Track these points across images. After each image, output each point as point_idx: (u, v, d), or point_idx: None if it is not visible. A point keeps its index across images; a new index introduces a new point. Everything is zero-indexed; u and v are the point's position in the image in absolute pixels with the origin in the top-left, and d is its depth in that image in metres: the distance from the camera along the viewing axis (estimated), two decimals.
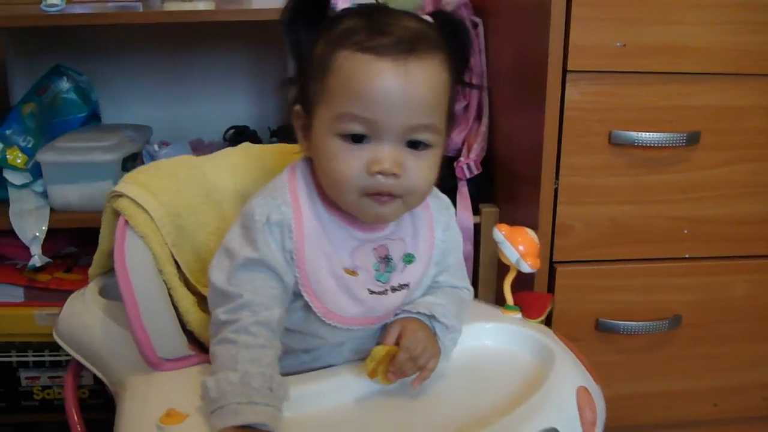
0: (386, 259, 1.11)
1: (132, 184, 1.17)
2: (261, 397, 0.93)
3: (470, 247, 1.77)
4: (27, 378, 1.88)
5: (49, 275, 1.87)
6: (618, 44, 1.48)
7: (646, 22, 1.48)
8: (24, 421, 1.95)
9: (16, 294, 1.87)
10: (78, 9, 1.89)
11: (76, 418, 1.28)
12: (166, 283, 1.15)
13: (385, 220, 1.08)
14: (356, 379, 1.07)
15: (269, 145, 1.38)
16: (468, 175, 1.78)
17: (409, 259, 1.13)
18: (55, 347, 1.82)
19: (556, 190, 1.54)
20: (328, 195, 1.07)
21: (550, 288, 1.60)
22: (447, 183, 1.80)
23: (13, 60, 2.18)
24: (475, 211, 1.78)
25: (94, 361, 1.20)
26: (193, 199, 1.23)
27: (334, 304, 1.07)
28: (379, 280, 1.10)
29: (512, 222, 1.59)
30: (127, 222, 1.13)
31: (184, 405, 0.98)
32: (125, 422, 1.03)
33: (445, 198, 1.22)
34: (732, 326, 1.69)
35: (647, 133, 1.52)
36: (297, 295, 1.07)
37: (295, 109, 1.09)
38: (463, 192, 1.79)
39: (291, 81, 1.11)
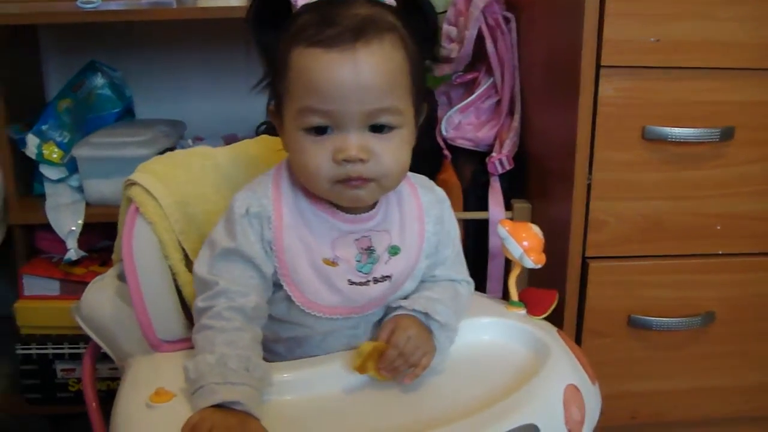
0: (369, 251, 1.11)
1: (145, 172, 1.22)
2: (237, 377, 0.96)
3: (500, 244, 1.76)
4: (62, 370, 1.90)
5: (84, 269, 1.90)
6: (652, 39, 1.47)
7: (680, 17, 1.47)
8: (59, 413, 1.98)
9: (52, 287, 1.90)
10: (113, 6, 1.91)
11: (92, 395, 1.32)
12: (171, 269, 1.19)
13: (362, 201, 1.09)
14: (345, 368, 1.08)
15: None
16: (500, 171, 1.78)
17: (394, 251, 1.13)
18: (90, 340, 1.85)
19: (589, 186, 1.54)
20: (306, 187, 1.09)
21: (583, 283, 1.60)
22: (479, 178, 1.80)
23: (48, 56, 2.21)
24: (508, 207, 1.78)
25: (105, 340, 1.24)
26: (204, 188, 1.26)
27: (313, 293, 1.09)
28: (360, 271, 1.10)
29: (545, 217, 1.60)
30: (137, 209, 1.18)
31: (174, 385, 1.01)
32: (122, 398, 1.06)
33: (440, 192, 1.22)
34: (765, 323, 1.68)
35: (681, 129, 1.51)
36: (278, 285, 1.10)
37: (269, 108, 1.12)
38: (495, 187, 1.79)
39: (261, 81, 1.14)
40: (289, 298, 1.09)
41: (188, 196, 1.23)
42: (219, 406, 0.93)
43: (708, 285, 1.64)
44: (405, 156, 1.08)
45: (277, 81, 1.08)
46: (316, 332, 1.12)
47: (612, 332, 1.63)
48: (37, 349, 1.88)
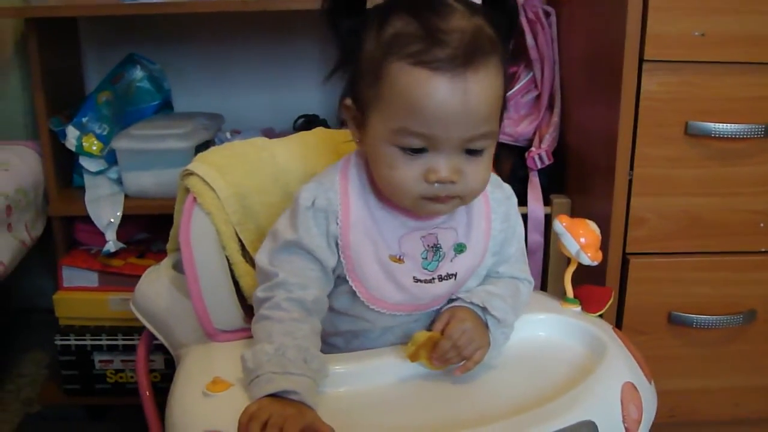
0: (435, 248, 1.11)
1: (203, 163, 1.22)
2: (295, 367, 0.96)
3: (540, 239, 1.76)
4: (100, 361, 1.91)
5: (122, 261, 1.90)
6: (696, 33, 1.46)
7: (725, 11, 1.46)
8: (97, 404, 1.99)
9: (91, 279, 1.90)
10: None
11: (146, 383, 1.33)
12: (228, 259, 1.20)
13: (442, 214, 1.09)
14: (398, 360, 1.09)
15: (343, 131, 1.39)
16: (539, 166, 1.77)
17: (460, 248, 1.12)
18: (128, 331, 1.87)
19: (630, 181, 1.53)
20: (384, 192, 1.08)
21: (623, 280, 1.59)
22: (518, 173, 1.79)
23: (88, 49, 2.22)
24: (546, 202, 1.77)
25: (160, 330, 1.26)
26: (261, 180, 1.26)
27: (378, 290, 1.09)
28: (426, 269, 1.10)
29: (584, 213, 1.59)
30: (195, 199, 1.19)
31: (231, 374, 1.02)
32: (178, 387, 1.08)
33: (507, 188, 1.21)
34: None
35: (724, 125, 1.50)
36: (342, 279, 1.09)
37: (345, 103, 1.09)
38: (534, 182, 1.78)
39: (336, 70, 1.10)
40: (353, 293, 1.09)
41: (245, 187, 1.23)
42: (276, 396, 0.94)
43: (750, 283, 1.62)
44: (489, 173, 1.07)
45: (362, 82, 1.04)
46: (377, 326, 1.12)
47: (652, 329, 1.62)
48: (75, 340, 1.89)
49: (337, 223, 1.07)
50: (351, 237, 1.07)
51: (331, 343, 1.14)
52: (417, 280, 1.09)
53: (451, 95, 0.97)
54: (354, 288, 1.09)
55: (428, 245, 1.10)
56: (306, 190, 1.08)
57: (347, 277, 1.09)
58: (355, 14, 1.04)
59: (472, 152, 1.02)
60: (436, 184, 1.01)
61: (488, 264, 1.16)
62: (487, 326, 1.10)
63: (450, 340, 1.05)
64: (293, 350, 0.97)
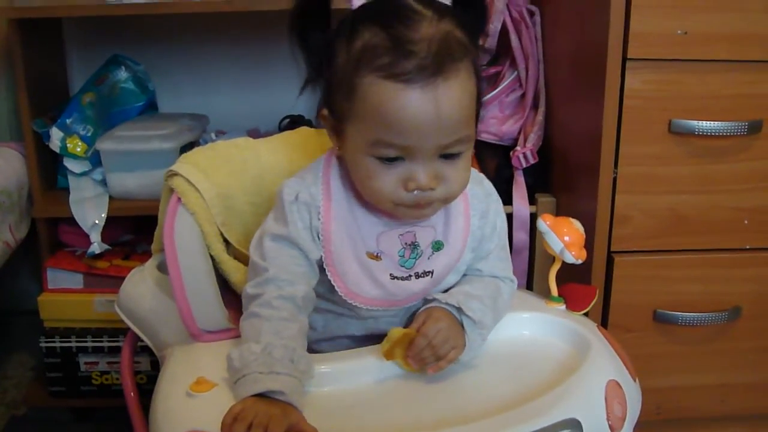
0: (413, 246, 1.11)
1: (187, 164, 1.23)
2: (282, 367, 0.96)
3: (526, 238, 1.76)
4: (86, 363, 1.90)
5: (107, 262, 1.90)
6: (679, 32, 1.46)
7: (708, 9, 1.46)
8: (82, 406, 1.98)
9: (76, 280, 1.90)
10: None
11: (130, 384, 1.33)
12: (215, 259, 1.20)
13: (426, 218, 1.10)
14: (383, 361, 1.08)
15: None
16: (524, 165, 1.77)
17: (437, 246, 1.13)
18: (113, 333, 1.86)
19: (614, 180, 1.53)
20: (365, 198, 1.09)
21: (608, 278, 1.59)
22: (503, 172, 1.80)
23: (72, 50, 2.21)
24: (532, 201, 1.77)
25: (145, 330, 1.26)
26: (246, 180, 1.27)
27: (356, 285, 1.10)
28: (403, 266, 1.11)
29: (569, 211, 1.59)
30: (179, 199, 1.19)
31: (215, 375, 1.02)
32: (162, 387, 1.08)
33: (488, 185, 1.21)
34: None
35: (708, 122, 1.50)
36: (323, 270, 1.10)
37: (322, 113, 1.09)
38: (519, 181, 1.78)
39: (307, 85, 1.10)
40: (332, 285, 1.10)
41: (230, 188, 1.24)
42: (262, 396, 0.93)
43: (735, 280, 1.63)
44: (468, 174, 1.07)
45: (337, 95, 1.04)
46: (355, 314, 1.13)
47: (637, 327, 1.62)
48: (60, 342, 1.88)
49: (319, 219, 1.08)
50: (332, 232, 1.08)
51: (311, 323, 1.12)
52: (394, 277, 1.10)
53: (423, 106, 0.97)
54: (333, 282, 1.09)
55: (405, 243, 1.11)
56: (288, 185, 1.10)
57: (327, 271, 1.09)
58: (323, 27, 1.06)
59: (449, 156, 1.02)
60: (416, 192, 1.02)
61: (467, 260, 1.17)
62: (462, 327, 1.10)
63: (425, 338, 1.05)
64: (280, 350, 0.97)
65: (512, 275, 1.22)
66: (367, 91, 0.99)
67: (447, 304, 1.11)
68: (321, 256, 1.09)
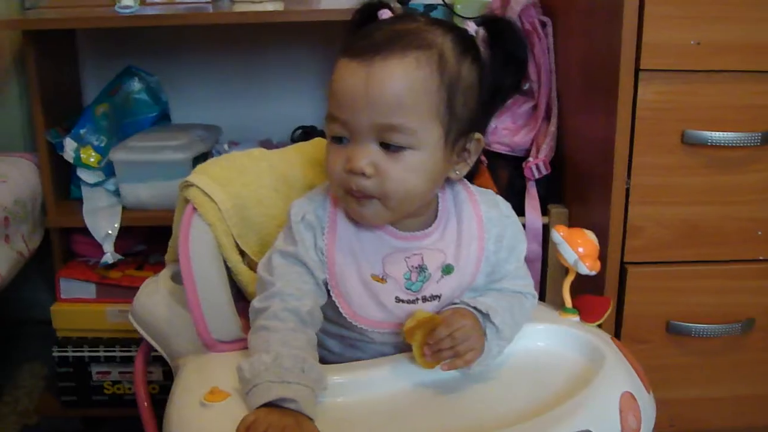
0: (420, 269, 1.11)
1: (203, 174, 1.23)
2: (293, 376, 0.96)
3: (538, 249, 1.76)
4: (98, 373, 1.91)
5: (120, 272, 1.91)
6: (692, 42, 1.46)
7: (721, 19, 1.46)
8: (94, 416, 1.99)
9: (89, 290, 1.91)
10: (149, 10, 1.92)
11: (144, 394, 1.33)
12: (232, 269, 1.21)
13: (366, 220, 1.09)
14: (397, 371, 1.08)
15: None
16: (537, 176, 1.77)
17: (448, 270, 1.12)
18: (125, 343, 1.87)
19: (627, 190, 1.52)
20: None
21: (621, 289, 1.58)
22: (515, 183, 1.79)
23: (86, 61, 2.22)
24: (544, 212, 1.77)
25: (158, 340, 1.27)
26: (261, 191, 1.27)
27: (360, 307, 1.09)
28: (409, 289, 1.10)
29: (582, 222, 1.58)
30: (194, 210, 1.19)
31: (229, 384, 1.02)
32: (176, 397, 1.08)
33: (505, 208, 1.20)
34: None
35: (721, 133, 1.50)
36: (329, 292, 1.11)
37: None
38: (532, 192, 1.78)
39: None
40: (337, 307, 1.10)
41: (245, 199, 1.24)
42: (274, 406, 0.93)
43: (748, 291, 1.62)
44: (416, 180, 1.06)
45: None
46: (367, 338, 1.12)
47: (650, 338, 1.62)
48: (73, 351, 1.89)
49: (324, 239, 1.09)
50: (336, 253, 1.09)
51: (327, 347, 1.14)
52: (399, 300, 1.10)
53: (354, 77, 1.02)
54: (337, 304, 1.09)
55: (412, 266, 1.11)
56: (296, 206, 1.12)
57: (331, 293, 1.10)
58: None
59: (389, 148, 1.03)
60: (351, 176, 1.03)
61: (480, 283, 1.16)
62: (485, 333, 1.09)
63: (448, 328, 1.04)
64: (290, 359, 0.97)
65: (534, 291, 1.22)
66: (335, 69, 1.06)
67: (474, 308, 1.10)
68: (326, 278, 1.09)
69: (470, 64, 1.08)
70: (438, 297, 1.11)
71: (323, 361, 1.04)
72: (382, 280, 1.10)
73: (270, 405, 0.93)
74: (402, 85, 1.02)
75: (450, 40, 1.06)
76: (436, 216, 1.15)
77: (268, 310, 1.04)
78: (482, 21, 1.13)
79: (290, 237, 1.10)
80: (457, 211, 1.16)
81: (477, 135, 1.11)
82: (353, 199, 1.06)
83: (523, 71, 1.17)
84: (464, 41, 1.08)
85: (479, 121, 1.12)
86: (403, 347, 1.11)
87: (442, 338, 1.04)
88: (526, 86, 1.86)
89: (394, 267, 1.10)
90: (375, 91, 1.01)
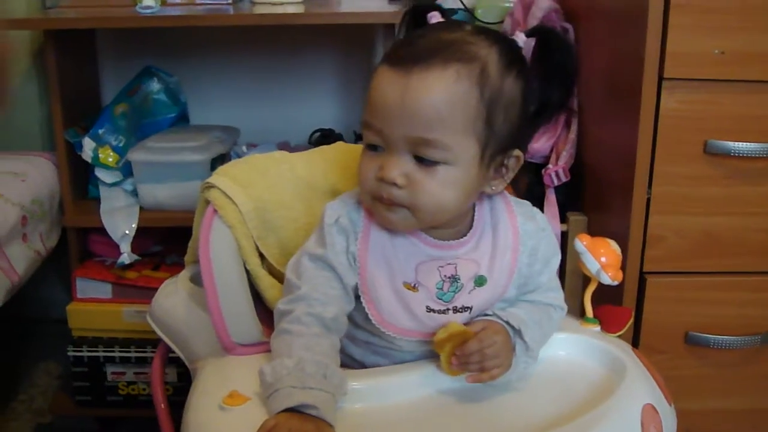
0: (453, 279, 1.10)
1: (224, 176, 1.23)
2: (315, 382, 0.95)
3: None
4: (113, 373, 1.91)
5: (137, 273, 1.91)
6: (716, 51, 1.44)
7: (745, 29, 1.44)
8: (108, 416, 1.99)
9: (105, 290, 1.91)
10: (170, 11, 1.92)
11: (161, 396, 1.34)
12: (251, 273, 1.21)
13: (393, 226, 1.08)
14: (418, 379, 1.08)
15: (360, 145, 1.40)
16: (556, 183, 1.76)
17: (480, 281, 1.11)
18: (141, 344, 1.87)
19: (648, 200, 1.51)
20: None
21: (640, 299, 1.57)
22: (535, 190, 1.78)
23: (105, 61, 2.22)
24: (563, 220, 1.76)
25: (177, 342, 1.27)
26: (282, 194, 1.26)
27: (390, 315, 1.08)
28: (440, 299, 1.09)
29: (601, 231, 1.57)
30: (215, 212, 1.19)
31: (249, 388, 1.02)
32: (194, 400, 1.08)
33: (541, 221, 1.19)
34: None
35: (744, 143, 1.48)
36: (359, 298, 1.09)
37: None
38: (551, 200, 1.76)
39: None
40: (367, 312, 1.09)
41: (266, 201, 1.24)
42: (294, 411, 0.93)
43: None
44: (449, 195, 1.04)
45: None
46: (395, 346, 1.11)
47: (668, 349, 1.60)
48: (88, 351, 1.89)
49: (356, 244, 1.08)
50: (369, 259, 1.08)
51: (349, 353, 1.13)
52: (430, 310, 1.08)
53: (391, 87, 1.01)
54: (367, 309, 1.08)
55: (445, 276, 1.09)
56: (331, 208, 1.10)
57: (362, 298, 1.09)
58: None
59: (423, 161, 1.02)
60: (382, 184, 1.03)
61: (511, 296, 1.15)
62: (514, 349, 1.08)
63: (479, 344, 1.04)
64: (312, 365, 0.97)
65: (563, 303, 1.21)
66: (374, 75, 1.05)
67: (507, 323, 1.08)
68: (357, 283, 1.08)
69: (514, 79, 1.05)
70: (469, 308, 1.10)
71: (343, 367, 1.04)
72: (414, 288, 1.08)
73: (291, 410, 0.93)
74: (439, 99, 1.00)
75: (495, 53, 1.04)
76: (471, 225, 1.13)
77: (292, 314, 1.04)
78: (531, 32, 1.12)
79: (321, 239, 1.09)
80: (493, 222, 1.15)
81: (517, 152, 1.09)
82: (382, 206, 1.05)
83: (571, 86, 1.15)
84: (510, 53, 1.06)
85: (520, 138, 1.10)
86: (428, 355, 1.11)
87: (472, 353, 1.03)
88: None
89: (427, 276, 1.09)
90: (411, 103, 0.99)
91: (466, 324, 1.08)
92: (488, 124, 1.03)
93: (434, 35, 1.04)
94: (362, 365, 1.14)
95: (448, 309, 1.09)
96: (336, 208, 1.10)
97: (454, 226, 1.12)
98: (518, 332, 1.08)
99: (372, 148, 1.05)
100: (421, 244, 1.10)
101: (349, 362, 1.11)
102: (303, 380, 0.95)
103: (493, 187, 1.11)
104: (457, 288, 1.09)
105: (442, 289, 1.09)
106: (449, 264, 1.10)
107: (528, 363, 1.10)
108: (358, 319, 1.11)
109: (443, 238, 1.11)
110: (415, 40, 1.03)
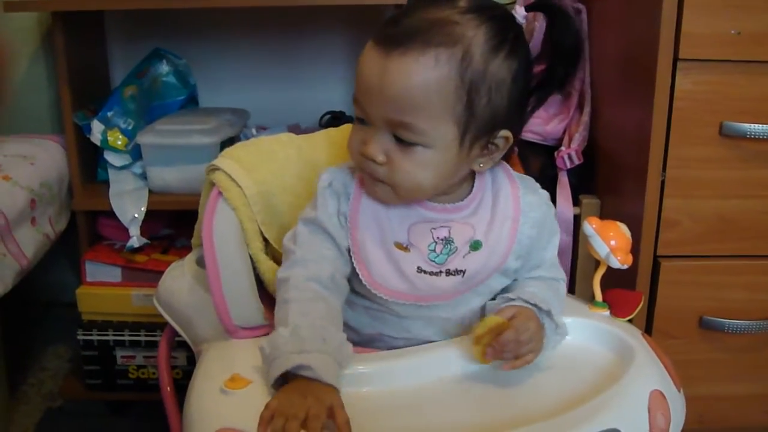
0: (445, 241, 1.10)
1: (229, 159, 1.23)
2: (312, 345, 0.96)
3: (569, 239, 1.73)
4: (123, 357, 1.90)
5: (146, 256, 1.90)
6: (732, 32, 1.43)
7: (762, 9, 1.43)
8: (118, 399, 1.98)
9: (114, 274, 1.90)
10: None
11: (167, 379, 1.33)
12: (252, 257, 1.20)
13: (379, 198, 1.09)
14: (424, 362, 1.08)
15: None
16: (569, 165, 1.75)
17: (475, 246, 1.10)
18: (150, 327, 1.86)
19: (662, 183, 1.50)
20: None
21: (653, 283, 1.56)
22: (547, 173, 1.77)
23: (113, 43, 2.21)
24: (575, 202, 1.74)
25: (182, 325, 1.26)
26: (287, 179, 1.26)
27: (380, 275, 1.09)
28: (433, 261, 1.09)
29: (614, 214, 1.56)
30: (219, 194, 1.19)
31: (251, 371, 1.02)
32: (197, 383, 1.07)
33: (544, 195, 1.19)
34: None
35: (760, 125, 1.47)
36: (352, 259, 1.11)
37: None
38: (563, 182, 1.75)
39: None
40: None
41: (271, 185, 1.23)
42: (296, 385, 0.93)
43: None
44: (425, 174, 1.05)
45: None
46: (391, 310, 1.11)
47: (682, 333, 1.59)
48: (98, 335, 1.88)
49: (348, 204, 1.09)
50: (359, 220, 1.09)
51: (346, 320, 1.11)
52: (421, 270, 1.08)
53: (373, 68, 1.02)
54: (357, 270, 1.09)
55: (438, 237, 1.09)
56: (326, 173, 1.13)
57: (353, 259, 1.09)
58: None
59: (401, 141, 1.03)
60: (364, 159, 1.05)
61: (513, 267, 1.14)
62: (544, 330, 1.08)
63: (515, 333, 1.03)
64: (308, 329, 0.97)
65: (563, 274, 1.22)
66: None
67: (535, 306, 1.08)
68: (349, 244, 1.09)
69: (503, 59, 1.04)
70: (462, 272, 1.09)
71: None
72: (406, 248, 1.09)
73: (289, 376, 0.94)
74: (415, 85, 1.00)
75: (483, 33, 1.02)
76: (470, 193, 1.13)
77: (290, 281, 1.05)
78: (531, 6, 1.11)
79: (314, 203, 1.11)
80: (494, 191, 1.14)
81: (505, 132, 1.08)
82: (370, 181, 1.07)
83: (572, 65, 1.14)
84: (501, 33, 1.04)
85: (510, 118, 1.08)
86: (426, 321, 1.12)
87: (509, 342, 1.03)
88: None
89: (419, 237, 1.09)
90: (388, 87, 1.00)
91: (497, 310, 1.09)
92: (468, 108, 1.03)
93: (421, 14, 1.03)
94: (360, 333, 1.14)
95: (440, 271, 1.09)
96: (331, 173, 1.13)
97: (450, 194, 1.12)
98: (548, 313, 1.09)
99: (360, 121, 1.06)
100: (416, 206, 1.10)
101: (346, 330, 1.09)
102: (300, 345, 0.95)
103: (481, 165, 1.10)
104: (450, 251, 1.09)
105: (434, 250, 1.09)
106: (442, 226, 1.10)
107: (557, 341, 1.11)
108: (355, 283, 1.11)
109: (441, 201, 1.12)
110: (401, 19, 1.03)
